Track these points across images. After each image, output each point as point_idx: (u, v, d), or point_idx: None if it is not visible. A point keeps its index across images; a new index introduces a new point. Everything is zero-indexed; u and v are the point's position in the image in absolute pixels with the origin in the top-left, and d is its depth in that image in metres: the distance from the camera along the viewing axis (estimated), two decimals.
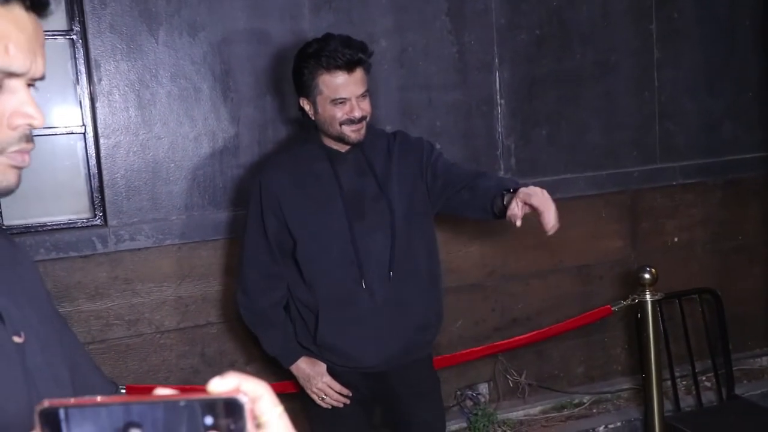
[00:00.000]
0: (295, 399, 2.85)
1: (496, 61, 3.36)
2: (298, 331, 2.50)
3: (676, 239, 3.84)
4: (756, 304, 3.98)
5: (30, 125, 0.91)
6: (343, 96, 2.30)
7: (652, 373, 3.25)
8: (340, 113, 2.32)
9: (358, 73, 2.31)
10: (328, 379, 2.49)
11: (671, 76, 3.71)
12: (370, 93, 2.36)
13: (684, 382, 3.75)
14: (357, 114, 2.32)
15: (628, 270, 3.66)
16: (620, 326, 3.77)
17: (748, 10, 3.83)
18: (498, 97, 3.38)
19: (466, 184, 2.46)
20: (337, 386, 2.49)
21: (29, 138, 0.92)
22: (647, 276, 3.21)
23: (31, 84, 0.92)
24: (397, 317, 2.43)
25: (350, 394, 2.50)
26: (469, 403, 3.52)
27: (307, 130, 2.50)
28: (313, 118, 2.38)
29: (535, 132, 3.48)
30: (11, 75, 0.89)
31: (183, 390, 0.59)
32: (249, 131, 2.98)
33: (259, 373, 3.00)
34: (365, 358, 2.45)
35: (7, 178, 0.91)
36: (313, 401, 2.50)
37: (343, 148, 2.42)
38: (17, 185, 0.92)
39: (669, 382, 3.56)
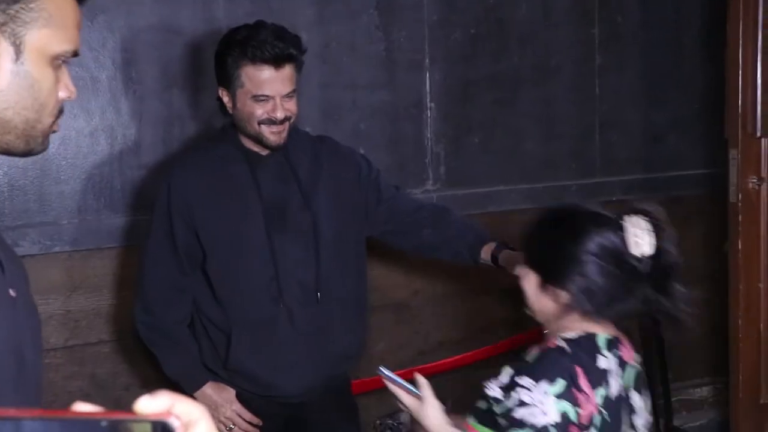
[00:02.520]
0: None
1: (427, 60, 3.46)
2: (204, 352, 2.51)
3: None
4: (696, 329, 4.16)
5: (69, 98, 1.25)
6: (266, 93, 2.30)
7: None
8: (260, 111, 2.32)
9: (287, 70, 2.32)
10: (237, 406, 2.50)
11: (613, 83, 3.88)
12: (297, 93, 2.38)
13: None
14: (279, 114, 2.32)
15: None
16: None
17: (696, 18, 4.04)
18: (428, 99, 3.48)
19: (426, 223, 2.52)
20: (248, 415, 2.50)
21: (63, 109, 1.27)
22: None
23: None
24: (318, 345, 2.46)
25: (260, 424, 2.52)
26: None
27: (223, 128, 2.52)
28: (231, 112, 2.39)
29: (467, 139, 3.59)
30: (74, 56, 1.24)
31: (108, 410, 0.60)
32: (152, 128, 3.01)
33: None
34: (281, 387, 2.47)
35: (47, 141, 1.26)
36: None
37: (263, 151, 2.42)
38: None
39: None
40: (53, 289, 2.89)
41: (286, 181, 2.45)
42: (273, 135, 2.36)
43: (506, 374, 1.79)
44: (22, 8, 1.17)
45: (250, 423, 2.51)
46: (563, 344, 1.79)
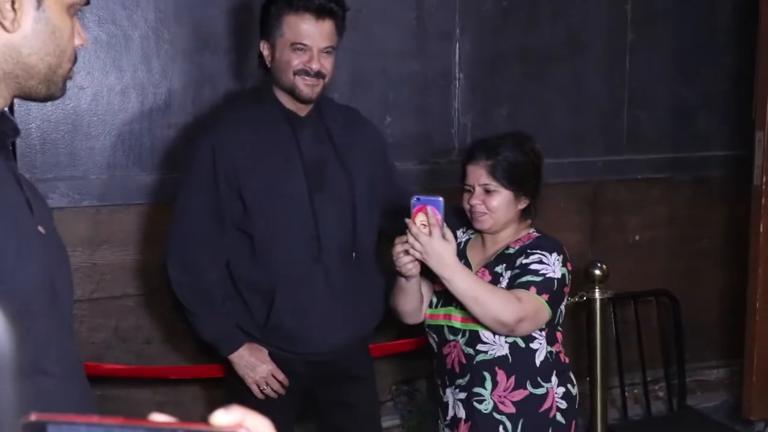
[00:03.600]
0: (218, 385, 2.98)
1: (458, 31, 3.49)
2: (238, 314, 2.56)
3: (637, 237, 4.04)
4: (716, 311, 4.21)
5: (82, 45, 1.34)
6: (304, 42, 2.38)
7: (597, 377, 3.44)
8: (296, 61, 2.39)
9: (328, 24, 2.40)
10: (272, 367, 2.57)
11: (644, 60, 3.89)
12: (335, 54, 2.45)
13: (635, 391, 3.96)
14: (314, 66, 2.39)
15: (585, 266, 3.84)
16: (568, 325, 3.95)
17: None
18: (457, 70, 3.52)
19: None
20: (281, 375, 2.57)
21: (76, 57, 1.34)
22: (597, 272, 3.39)
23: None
24: (352, 304, 2.56)
25: (287, 384, 2.60)
26: (404, 399, 3.68)
27: (260, 88, 2.58)
28: (269, 65, 2.46)
29: (494, 110, 3.63)
30: (84, 4, 1.32)
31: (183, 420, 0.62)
32: (183, 88, 3.07)
33: (176, 352, 3.11)
34: (314, 344, 2.55)
35: (65, 87, 1.34)
36: (246, 389, 2.57)
37: (302, 111, 2.49)
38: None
39: (618, 390, 3.77)
40: (80, 242, 2.97)
41: (322, 142, 2.53)
42: (306, 87, 2.41)
43: (512, 257, 2.37)
44: None
45: (281, 383, 2.59)
46: (540, 233, 2.45)
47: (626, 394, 3.81)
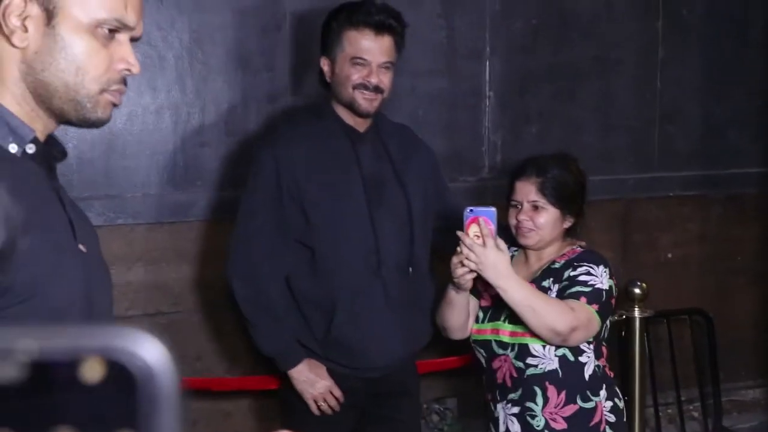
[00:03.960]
0: (268, 396, 2.98)
1: (488, 49, 3.51)
2: (297, 328, 2.58)
3: (669, 255, 4.01)
4: (750, 330, 4.16)
5: (129, 71, 1.31)
6: (364, 57, 2.45)
7: (635, 397, 3.40)
8: (356, 75, 2.46)
9: (387, 40, 2.48)
10: (331, 383, 2.59)
11: (675, 76, 3.88)
12: (394, 71, 2.52)
13: (669, 411, 3.93)
14: (373, 80, 2.46)
15: (621, 284, 3.82)
16: None
17: (762, 12, 4.02)
18: (487, 88, 3.53)
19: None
20: (338, 392, 2.59)
21: (125, 81, 1.33)
22: (637, 291, 3.37)
23: (133, 39, 1.33)
24: (408, 319, 2.59)
25: (343, 401, 2.61)
26: (435, 417, 3.67)
27: (320, 104, 2.63)
28: (329, 80, 2.53)
29: (524, 129, 3.64)
30: (124, 28, 1.30)
31: None
32: (216, 108, 3.11)
33: (210, 371, 3.13)
34: (371, 359, 2.58)
35: (106, 112, 1.32)
36: (301, 404, 2.59)
37: (361, 126, 2.56)
38: (109, 120, 1.35)
39: (652, 409, 3.73)
40: (115, 260, 3.00)
41: (381, 159, 2.60)
42: (365, 101, 2.47)
43: (559, 271, 2.42)
44: None
45: (337, 400, 2.60)
46: (583, 248, 2.49)
47: (660, 414, 3.78)
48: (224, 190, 3.12)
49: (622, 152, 3.85)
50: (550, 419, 2.39)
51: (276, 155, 2.49)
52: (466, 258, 2.26)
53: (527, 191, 2.42)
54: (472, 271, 2.29)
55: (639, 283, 3.38)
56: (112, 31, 1.29)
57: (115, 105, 1.34)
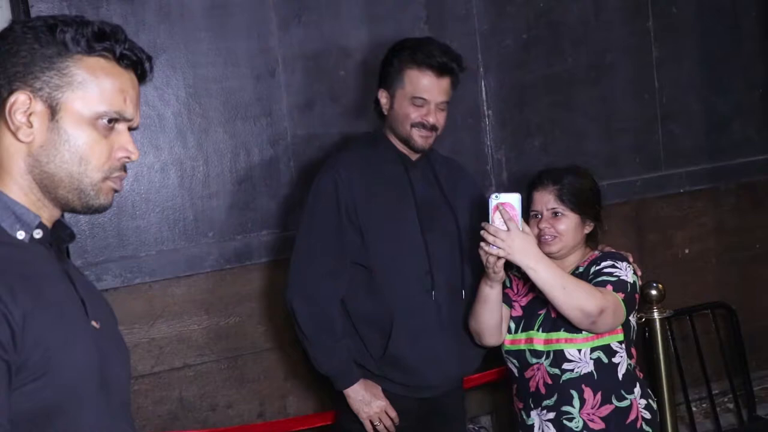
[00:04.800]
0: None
1: (481, 69, 3.52)
2: (353, 348, 2.63)
3: (687, 251, 3.99)
4: None
5: (129, 158, 1.38)
6: (424, 96, 2.53)
7: (664, 397, 3.38)
8: (415, 114, 2.54)
9: (446, 81, 2.56)
10: (386, 403, 2.64)
11: (672, 75, 3.88)
12: (449, 109, 2.61)
13: (703, 405, 3.90)
14: (431, 119, 2.55)
15: (640, 287, 3.80)
16: None
17: (752, 1, 4.00)
18: (485, 107, 3.54)
19: None
20: (393, 413, 2.64)
21: (125, 168, 1.41)
22: (654, 292, 3.36)
23: (131, 129, 1.41)
24: (461, 340, 2.64)
25: (398, 422, 2.66)
26: None
27: (374, 133, 2.71)
28: (385, 112, 2.61)
29: (527, 143, 3.64)
30: (123, 119, 1.37)
31: None
32: (219, 158, 3.14)
33: (240, 417, 3.15)
34: (428, 378, 2.64)
35: (108, 199, 1.39)
36: (358, 426, 2.63)
37: (413, 155, 2.64)
38: (111, 205, 1.41)
39: (684, 406, 3.71)
40: (137, 319, 3.04)
41: (431, 184, 2.68)
42: (421, 138, 2.57)
43: (584, 274, 2.48)
44: (56, 74, 1.33)
45: (392, 420, 2.64)
46: (603, 251, 2.55)
47: (694, 409, 3.76)
48: (235, 238, 3.15)
49: (628, 154, 3.84)
50: (588, 420, 2.42)
51: (336, 179, 2.56)
52: (493, 245, 2.29)
53: (546, 200, 2.49)
54: (500, 258, 2.32)
55: (655, 284, 3.36)
56: (111, 121, 1.36)
57: (116, 191, 1.40)
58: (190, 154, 3.11)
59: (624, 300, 2.40)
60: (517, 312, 2.54)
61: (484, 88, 3.54)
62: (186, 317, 3.12)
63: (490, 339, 2.54)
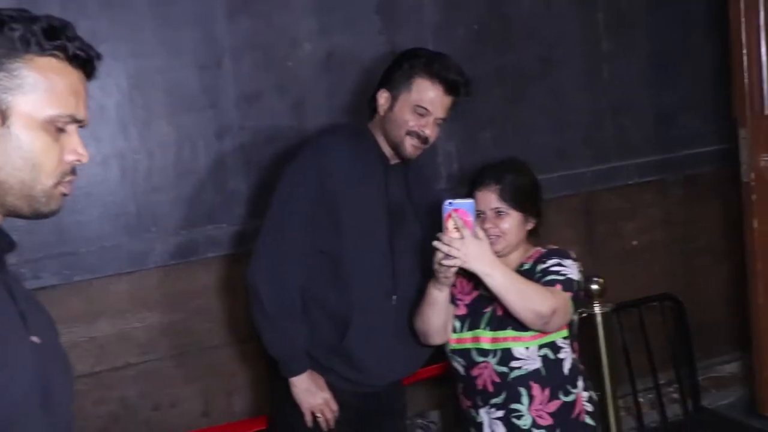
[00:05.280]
0: None
1: None
2: (305, 335, 2.59)
3: (635, 242, 4.00)
4: (721, 307, 4.17)
5: (80, 161, 1.31)
6: (428, 107, 2.51)
7: (606, 390, 3.38)
8: (413, 122, 2.52)
9: (450, 100, 2.56)
10: (329, 395, 2.61)
11: (622, 68, 3.86)
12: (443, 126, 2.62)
13: (649, 396, 3.92)
14: (427, 131, 2.53)
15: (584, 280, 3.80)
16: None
17: None
18: None
19: None
20: (335, 406, 2.61)
21: (75, 171, 1.33)
22: (595, 287, 3.34)
23: (80, 127, 1.34)
24: (412, 343, 2.63)
25: (338, 415, 2.63)
26: None
27: (359, 129, 2.66)
28: (381, 113, 2.57)
29: (478, 135, 3.60)
30: (75, 121, 1.31)
31: None
32: (162, 151, 3.03)
33: (185, 416, 3.08)
34: (375, 375, 2.64)
35: (58, 204, 1.32)
36: (298, 418, 2.58)
37: (393, 159, 2.61)
38: (60, 210, 1.34)
39: (632, 398, 3.73)
40: (76, 318, 2.93)
41: (402, 191, 2.66)
42: (412, 147, 2.55)
43: (529, 271, 2.46)
44: (6, 76, 1.25)
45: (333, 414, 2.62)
46: (547, 248, 2.54)
47: (641, 400, 3.77)
48: (180, 233, 3.06)
49: (578, 147, 3.82)
50: (537, 416, 2.43)
51: (321, 164, 2.52)
52: (449, 254, 2.28)
53: (489, 200, 2.48)
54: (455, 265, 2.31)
55: (596, 279, 3.35)
56: (63, 125, 1.30)
57: (65, 195, 1.33)
58: (133, 147, 3.00)
59: (572, 298, 2.43)
60: (462, 311, 2.52)
61: None
62: (128, 315, 3.02)
63: (437, 338, 2.54)
